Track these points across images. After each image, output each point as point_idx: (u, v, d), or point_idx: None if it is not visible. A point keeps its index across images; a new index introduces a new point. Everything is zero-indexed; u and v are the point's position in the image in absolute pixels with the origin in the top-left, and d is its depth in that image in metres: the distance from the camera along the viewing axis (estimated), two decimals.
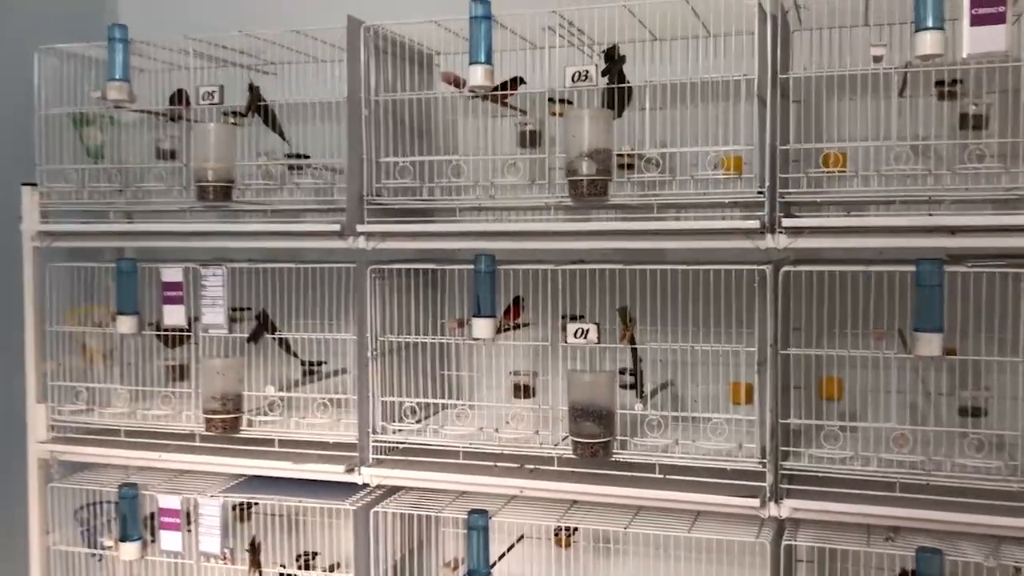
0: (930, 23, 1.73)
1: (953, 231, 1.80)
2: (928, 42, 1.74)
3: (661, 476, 2.02)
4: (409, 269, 2.32)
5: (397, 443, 2.25)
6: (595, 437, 2.03)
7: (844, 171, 1.93)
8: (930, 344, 1.80)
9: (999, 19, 1.72)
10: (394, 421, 2.27)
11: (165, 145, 2.47)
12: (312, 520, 2.53)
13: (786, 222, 1.89)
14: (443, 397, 2.47)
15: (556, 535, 2.38)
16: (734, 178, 2.00)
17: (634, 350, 2.12)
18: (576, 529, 2.37)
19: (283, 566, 2.41)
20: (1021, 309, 1.90)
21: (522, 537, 2.39)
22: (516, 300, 2.26)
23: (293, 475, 2.27)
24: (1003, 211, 1.88)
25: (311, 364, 2.52)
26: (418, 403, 2.27)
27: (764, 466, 1.95)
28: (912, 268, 1.82)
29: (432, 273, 2.44)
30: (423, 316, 2.42)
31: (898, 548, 1.89)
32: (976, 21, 1.74)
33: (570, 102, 2.19)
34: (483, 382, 2.44)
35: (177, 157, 2.46)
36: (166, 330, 2.42)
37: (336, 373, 2.51)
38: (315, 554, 2.51)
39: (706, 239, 1.97)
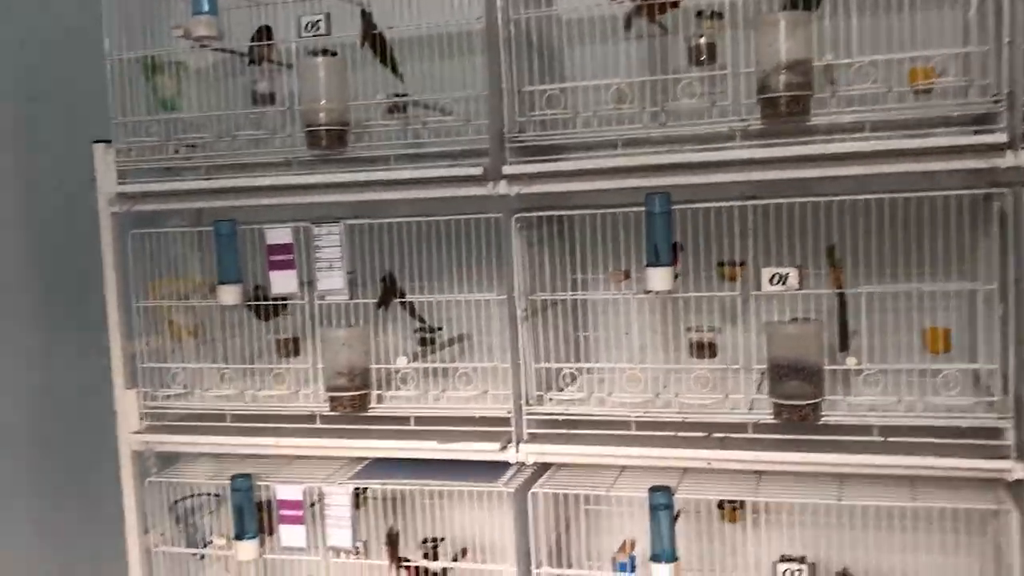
0: None
1: None
2: None
3: (881, 439, 1.75)
4: (543, 218, 2.02)
5: (558, 415, 1.96)
6: (803, 398, 1.75)
7: None
8: None
9: None
10: (548, 390, 1.99)
11: (262, 88, 2.15)
12: (425, 503, 2.26)
13: None
14: (589, 361, 2.18)
15: (721, 508, 2.12)
16: (956, 86, 1.70)
17: (841, 296, 1.83)
18: (743, 503, 2.10)
19: (426, 555, 2.14)
20: None
21: (679, 513, 2.13)
22: (673, 246, 1.97)
23: (438, 456, 1.98)
24: None
25: (429, 330, 2.24)
26: (578, 368, 1.99)
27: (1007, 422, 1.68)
28: None
29: (562, 222, 2.14)
30: (558, 271, 2.13)
31: None
32: None
33: (720, 15, 1.88)
34: (640, 341, 2.14)
35: (276, 101, 2.15)
36: (275, 299, 2.12)
37: (456, 340, 2.23)
38: (441, 539, 2.25)
39: (929, 161, 1.67)
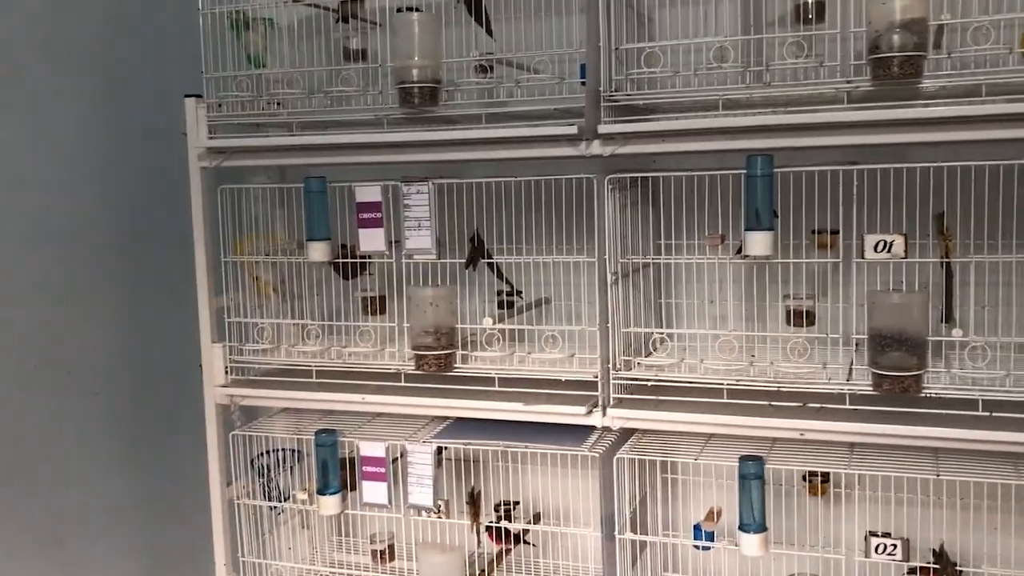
0: None
1: None
2: None
3: (986, 413, 1.69)
4: (633, 181, 1.98)
5: (646, 380, 1.93)
6: (906, 369, 1.70)
7: None
8: None
9: None
10: (635, 355, 1.96)
11: (353, 44, 2.13)
12: (500, 466, 2.25)
13: None
14: (673, 327, 2.15)
15: (808, 481, 2.08)
16: None
17: (947, 265, 1.77)
18: (829, 476, 2.06)
19: (500, 516, 2.14)
20: None
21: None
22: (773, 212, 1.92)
23: (524, 418, 1.97)
24: None
25: (511, 294, 2.22)
26: (668, 333, 1.96)
27: None
28: None
29: (651, 186, 2.11)
30: (645, 235, 2.10)
31: None
32: None
33: None
34: (731, 308, 2.10)
35: (367, 59, 2.13)
36: (363, 257, 2.12)
37: (538, 304, 2.21)
38: (515, 503, 2.25)
39: None
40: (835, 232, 1.91)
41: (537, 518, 2.29)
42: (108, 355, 2.38)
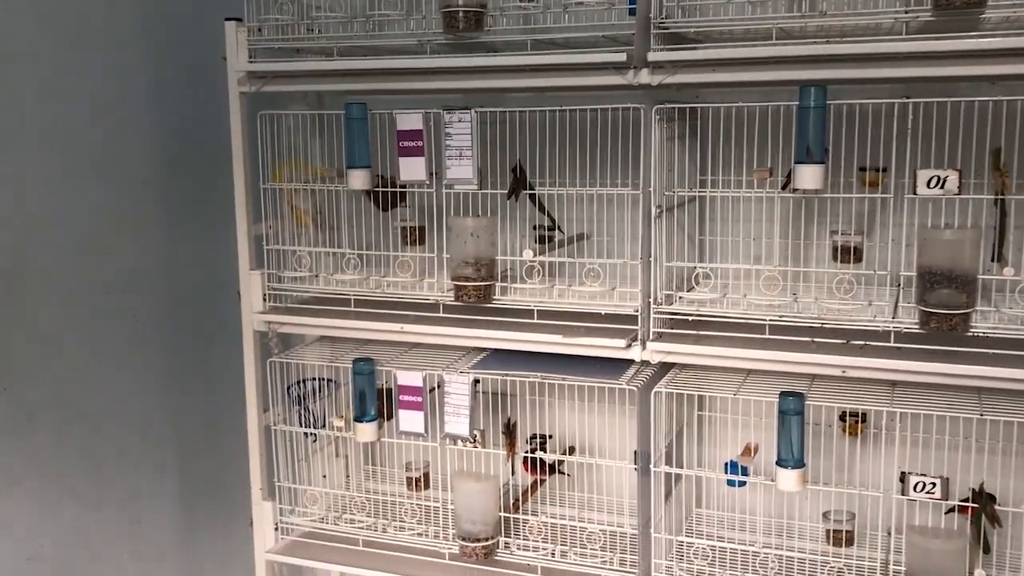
0: None
1: None
2: None
3: None
4: (679, 114, 1.95)
5: (688, 315, 1.92)
6: (955, 308, 1.68)
7: None
8: None
9: None
10: (676, 290, 1.95)
11: None
12: (535, 400, 2.26)
13: None
14: (718, 262, 2.13)
15: (843, 420, 2.07)
16: None
17: (1002, 203, 1.74)
18: (865, 416, 2.05)
19: (534, 448, 2.15)
20: None
21: None
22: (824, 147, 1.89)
23: (562, 350, 1.97)
24: None
25: (551, 227, 2.21)
26: (712, 268, 1.94)
27: None
28: None
29: (696, 119, 2.07)
30: (689, 169, 2.07)
31: None
32: None
33: None
34: (776, 243, 2.07)
35: None
36: (402, 186, 2.11)
37: (579, 238, 2.19)
38: (549, 436, 2.26)
39: None
40: (883, 170, 1.88)
41: (571, 451, 2.30)
42: (148, 281, 2.39)
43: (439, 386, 2.08)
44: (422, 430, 2.12)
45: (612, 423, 2.27)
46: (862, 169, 1.92)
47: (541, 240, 2.21)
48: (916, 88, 1.80)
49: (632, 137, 1.94)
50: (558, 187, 2.07)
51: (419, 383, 2.09)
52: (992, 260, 1.77)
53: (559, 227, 2.20)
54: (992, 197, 1.74)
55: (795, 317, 1.83)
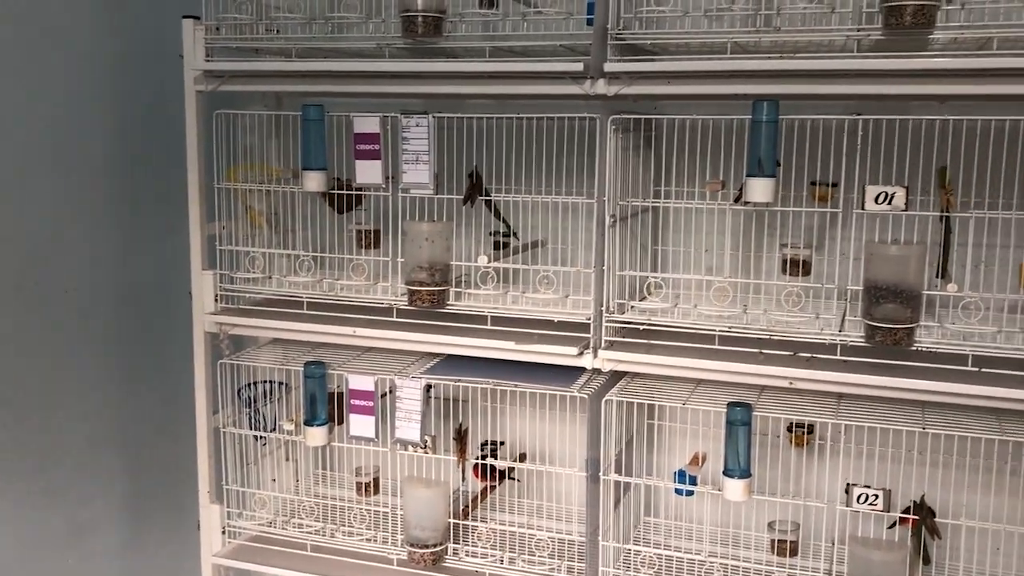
0: None
1: None
2: None
3: (975, 369, 1.70)
4: (634, 124, 1.96)
5: (640, 323, 1.93)
6: (900, 322, 1.71)
7: None
8: None
9: None
10: (629, 299, 1.96)
11: None
12: (487, 407, 2.26)
13: None
14: (671, 273, 2.15)
15: (790, 432, 2.10)
16: None
17: (946, 220, 1.77)
18: (812, 427, 2.08)
19: (485, 455, 2.15)
20: None
21: None
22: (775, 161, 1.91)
23: (515, 357, 1.97)
24: None
25: (506, 232, 2.21)
26: (664, 278, 1.95)
27: None
28: None
29: (652, 130, 2.09)
30: (645, 180, 2.09)
31: None
32: None
33: None
34: (727, 255, 2.10)
35: None
36: (358, 189, 2.10)
37: (534, 245, 2.20)
38: (501, 443, 2.26)
39: None
40: (833, 185, 1.91)
41: (523, 458, 2.30)
42: (99, 279, 2.35)
43: (391, 391, 2.07)
44: (373, 435, 2.11)
45: (564, 430, 2.28)
46: (813, 184, 1.94)
47: (497, 246, 2.22)
48: (869, 105, 1.83)
49: (588, 146, 1.95)
50: (514, 194, 2.08)
51: (371, 387, 2.09)
52: (937, 276, 1.80)
53: (515, 234, 2.21)
54: (937, 214, 1.77)
55: (745, 329, 1.85)
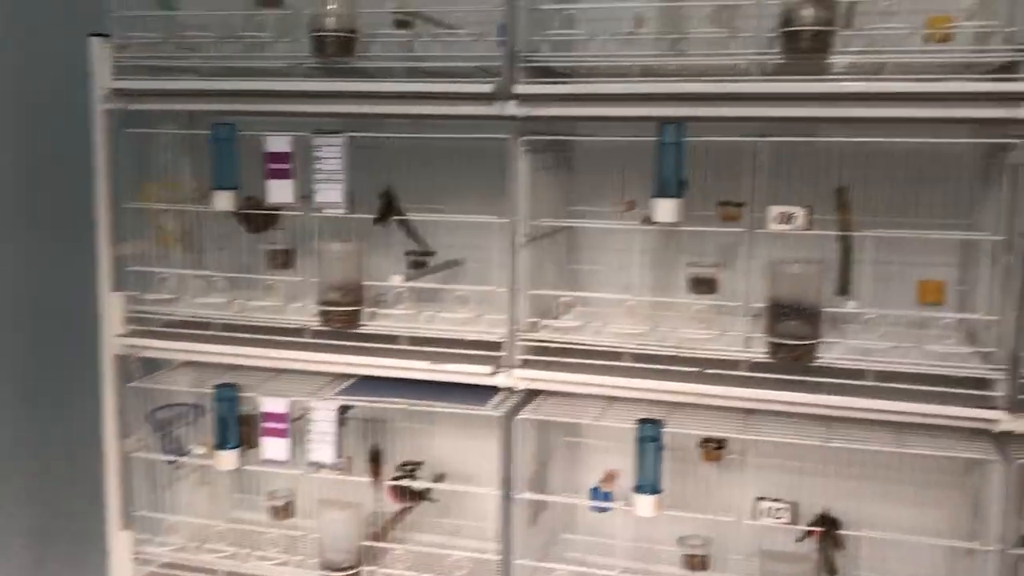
0: None
1: None
2: None
3: (874, 383, 1.75)
4: (548, 145, 1.98)
5: (551, 342, 1.95)
6: (801, 338, 1.75)
7: None
8: None
9: None
10: (542, 319, 1.98)
11: None
12: (406, 427, 2.25)
13: None
14: (585, 291, 2.17)
15: (703, 448, 2.13)
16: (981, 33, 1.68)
17: (845, 239, 1.82)
18: (725, 442, 2.11)
19: (404, 476, 2.14)
20: None
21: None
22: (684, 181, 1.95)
23: (428, 376, 1.97)
24: None
25: (423, 253, 2.21)
26: (575, 298, 1.97)
27: (1000, 373, 1.69)
28: None
29: (566, 151, 2.12)
30: (559, 200, 2.11)
31: None
32: None
33: None
34: (639, 275, 2.12)
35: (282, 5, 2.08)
36: (270, 209, 2.08)
37: (450, 265, 2.21)
38: (420, 464, 2.25)
39: (946, 107, 1.65)
40: (740, 205, 1.95)
41: (441, 478, 2.29)
42: (4, 299, 2.29)
43: (304, 413, 2.05)
44: (286, 457, 2.08)
45: (482, 450, 2.27)
46: (721, 204, 1.98)
47: (413, 266, 2.21)
48: (775, 127, 1.87)
49: (501, 167, 1.96)
50: (429, 213, 2.08)
51: (284, 410, 2.06)
52: (838, 293, 1.85)
53: (430, 253, 2.21)
54: (837, 233, 1.82)
55: (655, 346, 1.88)
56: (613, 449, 2.15)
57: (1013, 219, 1.67)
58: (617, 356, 1.90)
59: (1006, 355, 1.68)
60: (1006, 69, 1.65)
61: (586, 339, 1.92)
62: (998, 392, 1.69)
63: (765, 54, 1.73)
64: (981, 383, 1.71)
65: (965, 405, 1.69)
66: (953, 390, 1.71)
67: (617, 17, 1.87)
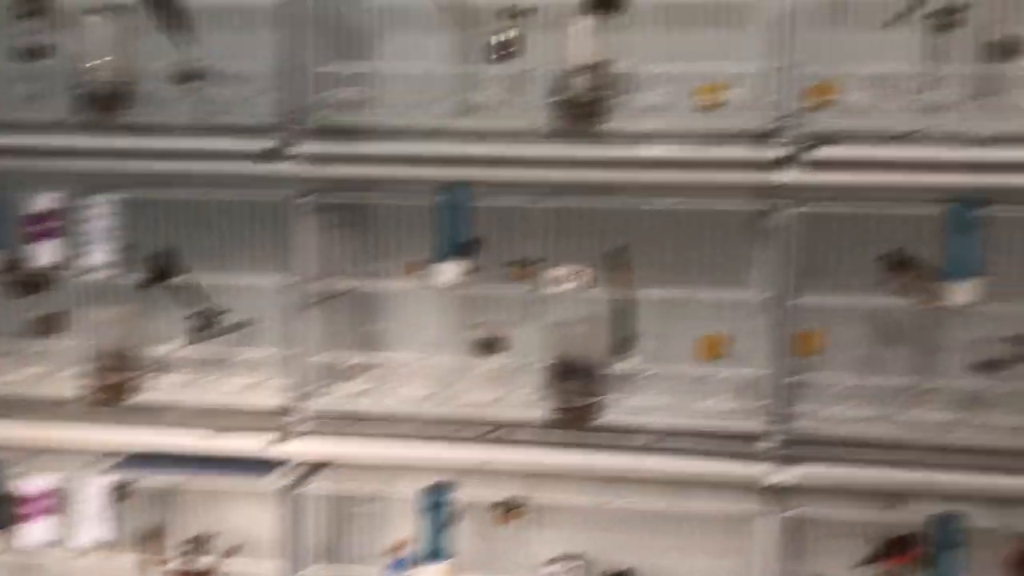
0: None
1: (996, 167, 1.65)
2: None
3: (652, 442, 1.78)
4: (333, 203, 1.95)
5: (335, 411, 1.89)
6: (582, 398, 1.77)
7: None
8: (965, 292, 1.65)
9: None
10: (331, 384, 1.92)
11: (35, 42, 1.95)
12: (194, 499, 2.13)
13: (820, 153, 1.68)
14: (377, 353, 2.12)
15: (495, 510, 2.10)
16: (736, 107, 1.77)
17: (626, 299, 1.85)
18: (519, 504, 2.10)
19: (187, 554, 2.01)
20: None
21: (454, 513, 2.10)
22: (471, 242, 1.94)
23: (203, 450, 1.87)
24: None
25: (205, 316, 2.11)
26: (361, 361, 1.92)
27: (767, 427, 1.76)
28: (941, 209, 1.67)
29: (357, 209, 2.08)
30: (351, 259, 2.07)
31: (910, 513, 1.74)
32: None
33: (525, 13, 1.88)
34: (427, 336, 2.10)
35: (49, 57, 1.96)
36: (32, 272, 1.94)
37: (235, 327, 2.11)
38: (209, 537, 2.12)
39: (713, 172, 1.73)
40: (530, 264, 1.96)
41: (237, 550, 2.17)
42: None
43: (72, 491, 1.90)
44: (53, 539, 1.92)
45: (272, 522, 2.17)
46: (511, 263, 1.99)
47: (196, 329, 2.10)
48: (561, 187, 1.89)
49: (284, 227, 1.91)
50: (207, 275, 1.99)
51: (49, 488, 1.91)
52: (618, 352, 1.88)
53: (216, 315, 2.11)
54: (617, 294, 1.86)
55: (442, 409, 1.85)
56: (407, 513, 2.09)
57: (777, 278, 1.74)
58: (404, 422, 1.86)
59: (772, 409, 1.75)
60: (768, 137, 1.73)
61: (372, 405, 1.87)
62: (765, 445, 1.75)
63: (542, 120, 1.75)
64: (750, 438, 1.76)
65: (734, 460, 1.74)
66: (724, 446, 1.76)
67: (407, 79, 1.87)
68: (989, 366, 1.75)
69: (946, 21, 1.82)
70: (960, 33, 1.81)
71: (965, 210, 1.66)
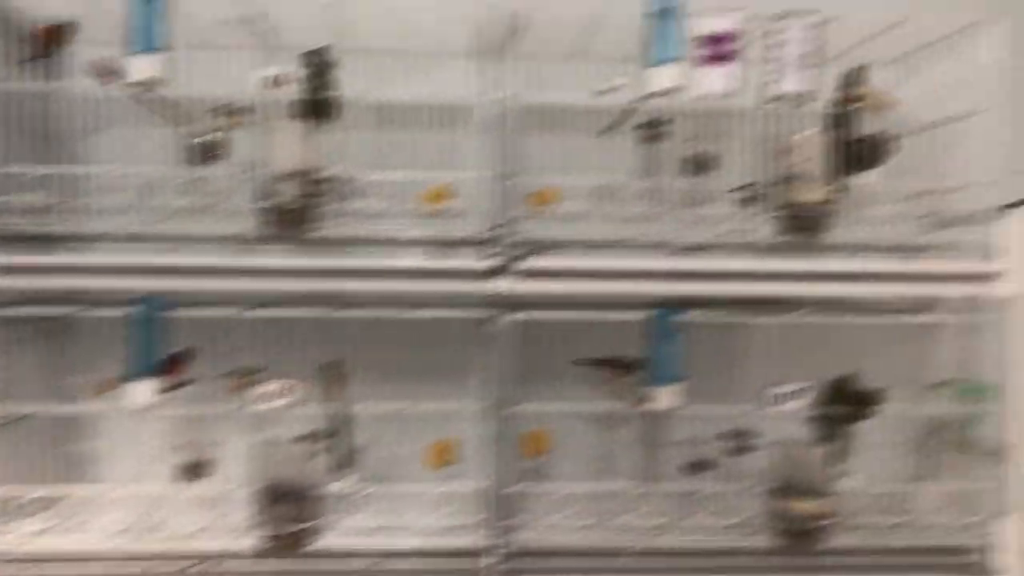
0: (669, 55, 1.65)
1: (697, 276, 1.71)
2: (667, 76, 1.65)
3: (371, 566, 1.68)
4: (20, 317, 1.75)
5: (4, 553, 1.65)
6: (293, 522, 1.64)
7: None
8: (667, 396, 1.69)
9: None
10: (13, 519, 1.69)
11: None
12: None
13: (530, 263, 1.68)
14: (77, 482, 1.90)
15: None
16: (454, 214, 1.76)
17: (344, 413, 1.76)
18: None
19: None
20: None
21: None
22: (178, 355, 1.80)
23: None
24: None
25: None
26: (45, 495, 1.70)
27: (489, 541, 1.70)
28: (647, 314, 1.71)
29: (49, 321, 1.89)
30: (35, 377, 1.86)
31: None
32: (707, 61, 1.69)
33: (234, 113, 1.80)
34: (130, 460, 1.91)
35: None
36: None
37: None
38: None
39: (430, 281, 1.69)
40: (246, 376, 1.83)
41: None
42: None
43: None
44: None
45: None
46: (228, 375, 1.85)
47: None
48: (274, 297, 1.79)
49: None
50: None
51: None
52: (341, 469, 1.78)
53: None
54: (332, 409, 1.76)
55: (142, 544, 1.67)
56: None
57: (497, 386, 1.72)
58: (97, 560, 1.66)
59: (492, 523, 1.70)
60: (487, 245, 1.72)
61: (57, 543, 1.65)
62: (487, 561, 1.69)
63: (249, 227, 1.66)
64: (473, 553, 1.70)
65: None
66: (448, 564, 1.69)
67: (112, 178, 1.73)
68: (696, 467, 1.79)
69: (653, 133, 1.92)
70: (669, 146, 1.92)
71: (667, 316, 1.71)
